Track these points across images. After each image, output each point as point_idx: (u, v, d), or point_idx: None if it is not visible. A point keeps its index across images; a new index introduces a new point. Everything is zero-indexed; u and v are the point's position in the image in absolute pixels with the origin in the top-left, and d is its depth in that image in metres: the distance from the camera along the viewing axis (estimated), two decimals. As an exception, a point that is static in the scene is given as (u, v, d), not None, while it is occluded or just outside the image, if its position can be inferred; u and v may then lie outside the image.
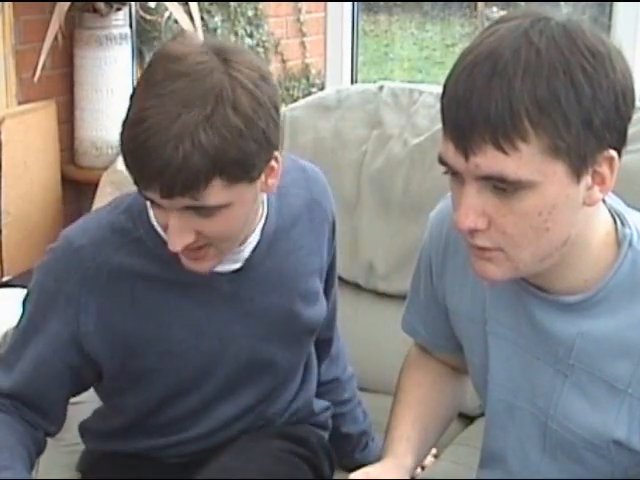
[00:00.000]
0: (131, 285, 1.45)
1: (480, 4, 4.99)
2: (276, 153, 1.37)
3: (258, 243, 1.49)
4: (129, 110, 1.31)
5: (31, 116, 3.25)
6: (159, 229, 1.44)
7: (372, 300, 2.16)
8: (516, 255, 1.16)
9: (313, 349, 1.70)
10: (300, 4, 4.82)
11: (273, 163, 1.37)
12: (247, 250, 1.48)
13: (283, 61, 4.83)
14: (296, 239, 1.55)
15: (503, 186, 1.11)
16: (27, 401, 1.49)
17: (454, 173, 1.15)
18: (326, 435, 1.72)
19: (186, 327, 1.48)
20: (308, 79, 4.89)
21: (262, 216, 1.49)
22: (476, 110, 1.08)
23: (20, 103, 3.27)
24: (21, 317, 1.51)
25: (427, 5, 5.28)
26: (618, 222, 1.22)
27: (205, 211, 1.31)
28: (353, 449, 1.80)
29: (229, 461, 1.51)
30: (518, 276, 1.21)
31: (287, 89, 4.78)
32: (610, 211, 1.23)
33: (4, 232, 3.16)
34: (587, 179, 1.13)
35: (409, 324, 1.52)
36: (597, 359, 1.21)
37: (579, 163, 1.11)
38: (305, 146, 2.20)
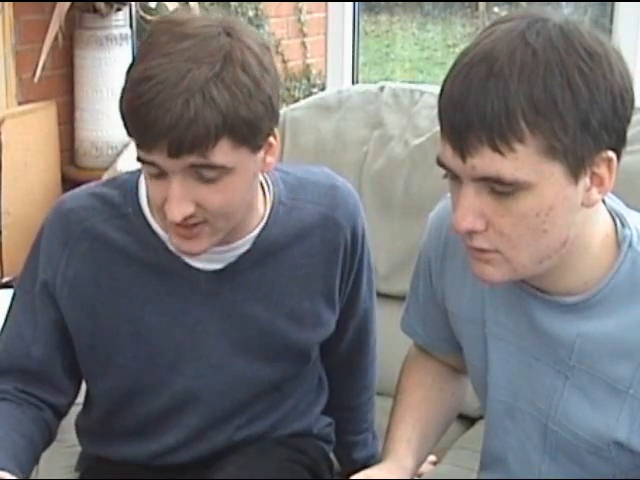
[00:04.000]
0: (111, 259, 1.44)
1: (481, 4, 4.98)
2: (275, 130, 1.35)
3: (249, 250, 1.46)
4: (129, 75, 1.29)
5: (31, 117, 3.25)
6: (147, 212, 1.43)
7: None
8: (514, 257, 1.15)
9: (324, 379, 1.67)
10: (301, 4, 4.82)
11: (272, 140, 1.35)
12: (233, 253, 1.45)
13: (284, 61, 4.83)
14: (298, 256, 1.49)
15: (500, 187, 1.10)
16: (28, 373, 1.48)
17: (453, 175, 1.15)
18: (329, 447, 1.69)
19: (159, 314, 1.45)
20: (309, 79, 4.89)
21: (258, 225, 1.46)
22: (472, 111, 1.08)
23: (20, 104, 3.27)
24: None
25: (428, 5, 5.28)
26: (618, 223, 1.22)
27: (208, 174, 1.28)
28: (359, 470, 1.78)
29: (234, 470, 1.49)
30: (517, 278, 1.20)
31: (288, 89, 4.78)
32: (610, 212, 1.23)
33: (4, 232, 3.17)
34: (585, 180, 1.12)
35: (408, 325, 1.52)
36: (598, 360, 1.21)
37: (576, 164, 1.10)
38: (306, 146, 2.20)
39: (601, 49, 1.10)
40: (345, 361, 1.68)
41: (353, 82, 3.09)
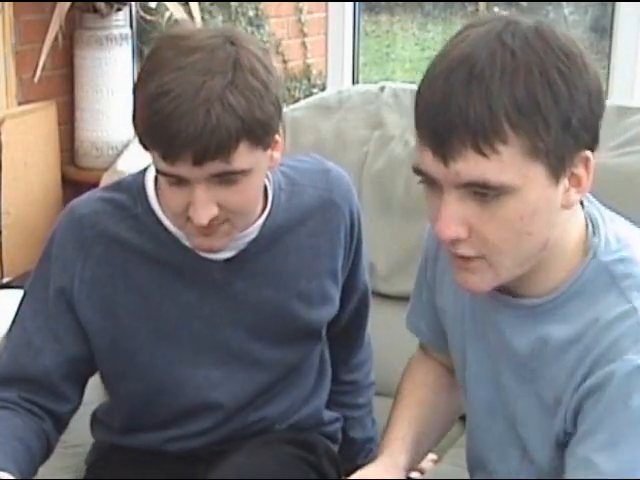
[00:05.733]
0: (126, 259, 1.49)
1: (482, 4, 4.98)
2: (280, 126, 1.43)
3: (256, 238, 1.51)
4: (141, 93, 1.34)
5: (31, 117, 3.25)
6: (157, 209, 1.48)
7: (373, 301, 2.14)
8: (498, 262, 1.15)
9: (327, 358, 1.70)
10: (301, 4, 4.81)
11: (277, 137, 1.42)
12: (242, 241, 1.50)
13: (284, 61, 4.83)
14: (303, 238, 1.56)
15: (484, 192, 1.10)
16: (34, 382, 1.49)
17: (431, 182, 1.14)
18: (335, 448, 1.72)
19: (176, 307, 1.50)
20: (309, 80, 4.89)
21: (265, 211, 1.52)
22: (455, 115, 1.08)
23: (20, 104, 3.27)
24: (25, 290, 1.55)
25: (429, 5, 5.27)
26: (590, 230, 1.21)
27: (230, 178, 1.35)
28: (356, 454, 1.79)
29: (241, 463, 1.52)
30: (500, 283, 1.19)
31: (288, 89, 4.77)
32: (586, 217, 1.22)
33: (4, 233, 3.16)
34: (565, 181, 1.13)
35: (412, 323, 1.52)
36: (552, 365, 1.20)
37: (557, 164, 1.10)
38: (306, 147, 2.19)
39: (576, 49, 1.11)
40: (344, 334, 1.72)
41: (353, 82, 3.09)
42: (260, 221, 1.51)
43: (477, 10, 5.06)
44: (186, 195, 1.36)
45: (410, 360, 1.55)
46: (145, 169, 1.52)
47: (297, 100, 3.86)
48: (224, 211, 1.38)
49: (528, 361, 1.23)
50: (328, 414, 1.71)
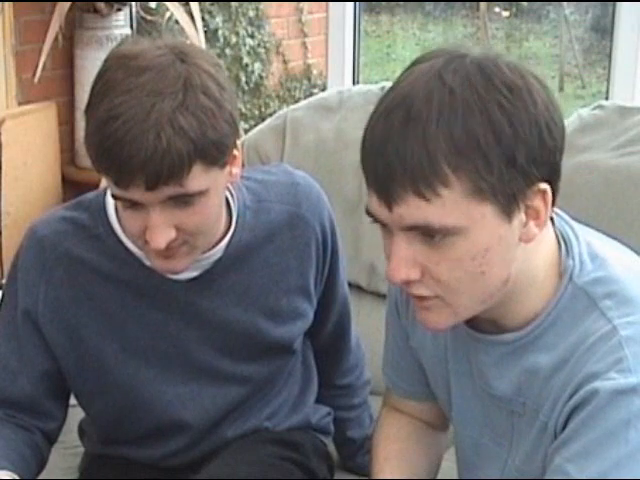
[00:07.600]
0: (88, 280, 1.46)
1: (482, 4, 4.98)
2: (237, 141, 1.38)
3: (221, 257, 1.47)
4: (92, 115, 1.30)
5: (31, 117, 3.25)
6: (118, 229, 1.45)
7: (374, 302, 2.14)
8: (454, 301, 1.12)
9: (311, 362, 1.68)
10: (302, 4, 4.82)
11: (235, 151, 1.38)
12: (207, 261, 1.46)
13: (284, 62, 4.83)
14: (270, 256, 1.51)
15: (431, 234, 1.07)
16: (17, 404, 1.48)
17: (382, 223, 1.11)
18: (327, 439, 1.71)
19: (141, 327, 1.47)
20: (310, 80, 4.89)
21: (229, 231, 1.48)
22: (393, 158, 1.05)
23: (20, 104, 3.27)
24: None
25: (429, 5, 5.28)
26: (563, 251, 1.17)
27: (185, 200, 1.31)
28: (355, 452, 1.79)
29: (218, 468, 1.50)
30: (461, 320, 1.17)
31: (289, 90, 4.77)
32: (557, 237, 1.18)
33: (4, 233, 3.16)
34: (520, 216, 1.09)
35: (388, 378, 1.47)
36: (540, 393, 1.17)
37: (508, 202, 1.07)
38: (307, 147, 2.19)
39: (522, 82, 1.07)
40: (330, 345, 1.71)
41: (354, 82, 3.09)
42: (224, 242, 1.47)
43: (478, 10, 5.06)
44: (143, 218, 1.33)
45: (378, 419, 1.50)
46: (107, 188, 1.45)
47: (297, 100, 3.87)
48: (182, 233, 1.34)
49: (515, 397, 1.20)
50: (318, 412, 1.69)
